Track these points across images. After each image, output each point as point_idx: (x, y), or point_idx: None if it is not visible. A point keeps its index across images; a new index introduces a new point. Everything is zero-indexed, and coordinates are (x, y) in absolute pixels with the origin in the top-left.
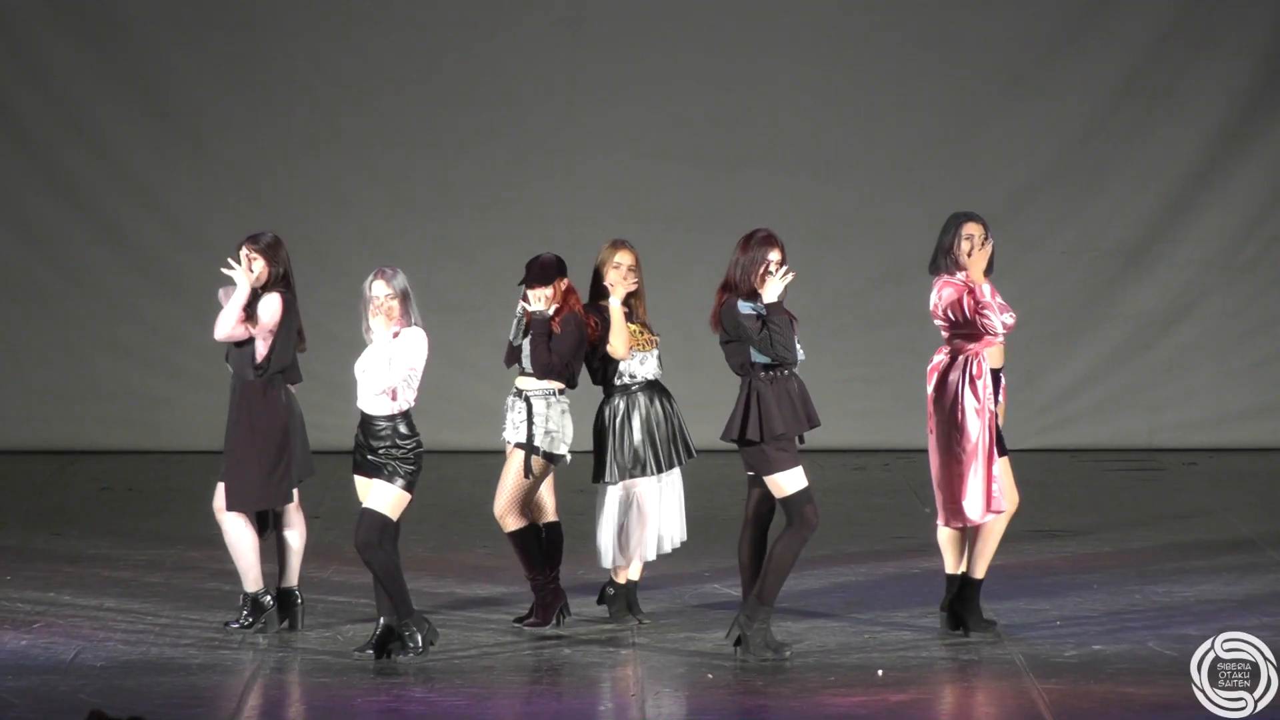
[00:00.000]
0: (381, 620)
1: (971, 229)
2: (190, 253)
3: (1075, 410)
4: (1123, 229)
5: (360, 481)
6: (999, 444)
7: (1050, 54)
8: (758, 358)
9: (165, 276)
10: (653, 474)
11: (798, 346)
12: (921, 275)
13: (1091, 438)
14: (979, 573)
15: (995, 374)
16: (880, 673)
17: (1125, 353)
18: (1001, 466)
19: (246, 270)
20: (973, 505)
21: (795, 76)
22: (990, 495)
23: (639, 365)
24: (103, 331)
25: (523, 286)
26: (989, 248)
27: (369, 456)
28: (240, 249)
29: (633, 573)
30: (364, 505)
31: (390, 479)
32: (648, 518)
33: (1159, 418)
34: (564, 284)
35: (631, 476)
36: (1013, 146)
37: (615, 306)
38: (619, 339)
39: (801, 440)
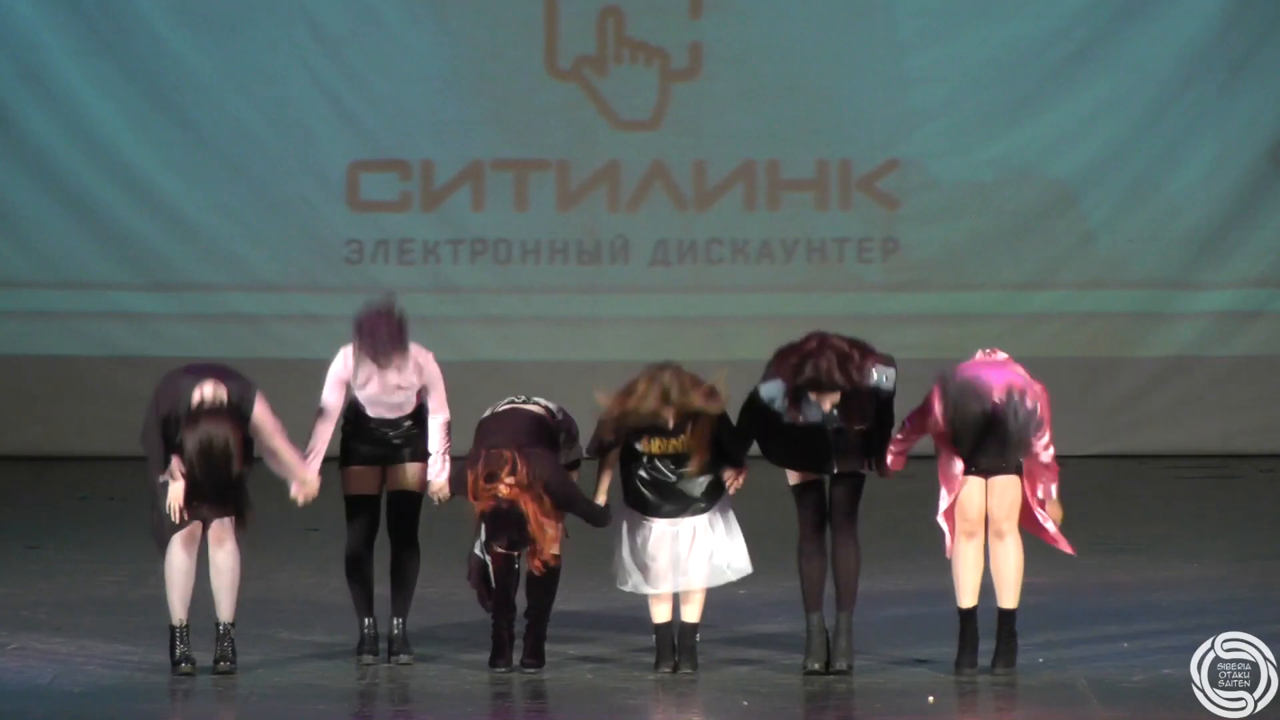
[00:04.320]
0: (368, 621)
1: None
2: (177, 247)
3: (1144, 413)
4: (1195, 214)
5: (365, 471)
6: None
7: (1115, 24)
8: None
9: (149, 272)
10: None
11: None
12: (986, 266)
13: (1162, 442)
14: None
15: None
16: (931, 699)
17: (1199, 350)
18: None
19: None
20: None
21: (847, 46)
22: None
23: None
24: (82, 329)
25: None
26: None
27: (393, 438)
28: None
29: (687, 614)
30: (401, 489)
31: (421, 457)
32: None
33: (1235, 420)
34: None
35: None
36: (1075, 125)
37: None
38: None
39: None
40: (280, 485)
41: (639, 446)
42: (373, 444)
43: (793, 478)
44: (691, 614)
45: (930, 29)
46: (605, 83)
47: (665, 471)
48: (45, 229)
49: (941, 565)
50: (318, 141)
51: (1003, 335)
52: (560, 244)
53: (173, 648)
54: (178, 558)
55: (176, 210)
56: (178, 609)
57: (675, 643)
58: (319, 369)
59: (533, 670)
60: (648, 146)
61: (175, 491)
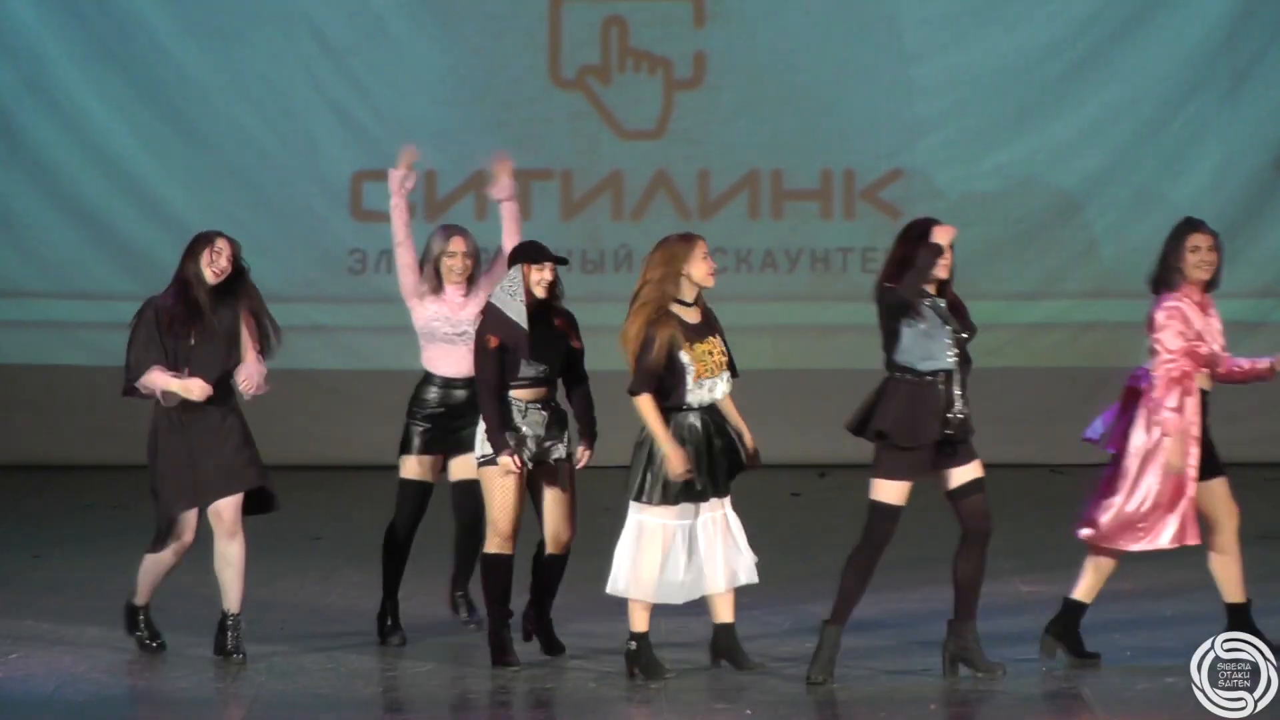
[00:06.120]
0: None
1: (1198, 240)
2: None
3: None
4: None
5: (423, 460)
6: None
7: (1118, 34)
8: (899, 357)
9: (154, 282)
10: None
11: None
12: (989, 275)
13: None
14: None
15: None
16: (933, 707)
17: None
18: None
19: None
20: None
21: (850, 55)
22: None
23: (706, 393)
24: (87, 338)
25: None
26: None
27: (455, 425)
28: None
29: (722, 615)
30: (467, 478)
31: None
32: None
33: (1238, 430)
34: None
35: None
36: (1079, 134)
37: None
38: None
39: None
40: (284, 491)
41: (684, 359)
42: (436, 431)
43: (886, 494)
44: (726, 614)
45: (934, 39)
46: (609, 92)
47: (707, 434)
48: (50, 239)
49: (944, 573)
50: (322, 151)
51: (1006, 345)
52: (564, 253)
53: (132, 624)
54: (166, 559)
55: (181, 220)
56: (144, 593)
57: (717, 646)
58: (324, 379)
59: (560, 656)
60: (651, 156)
61: None
